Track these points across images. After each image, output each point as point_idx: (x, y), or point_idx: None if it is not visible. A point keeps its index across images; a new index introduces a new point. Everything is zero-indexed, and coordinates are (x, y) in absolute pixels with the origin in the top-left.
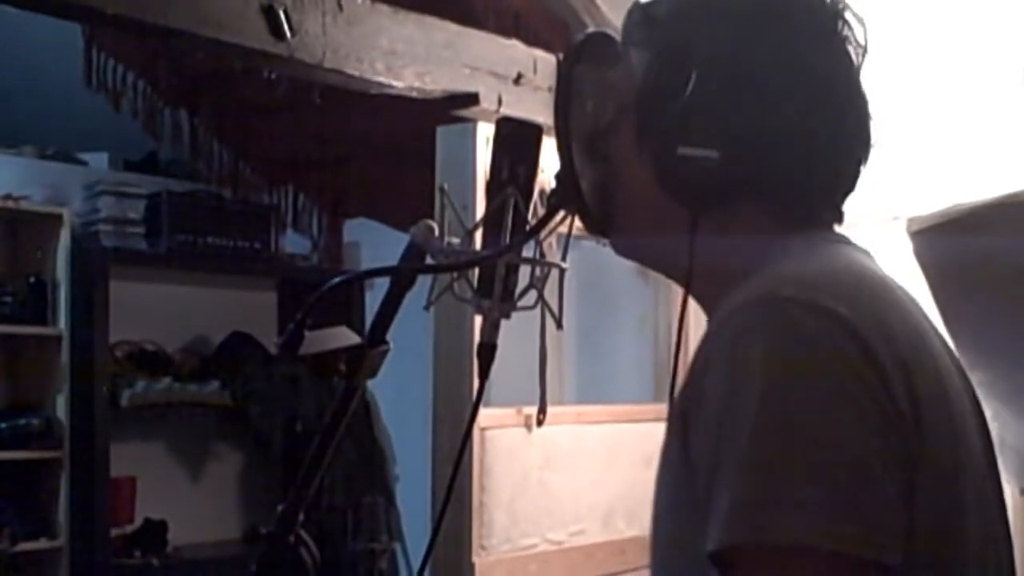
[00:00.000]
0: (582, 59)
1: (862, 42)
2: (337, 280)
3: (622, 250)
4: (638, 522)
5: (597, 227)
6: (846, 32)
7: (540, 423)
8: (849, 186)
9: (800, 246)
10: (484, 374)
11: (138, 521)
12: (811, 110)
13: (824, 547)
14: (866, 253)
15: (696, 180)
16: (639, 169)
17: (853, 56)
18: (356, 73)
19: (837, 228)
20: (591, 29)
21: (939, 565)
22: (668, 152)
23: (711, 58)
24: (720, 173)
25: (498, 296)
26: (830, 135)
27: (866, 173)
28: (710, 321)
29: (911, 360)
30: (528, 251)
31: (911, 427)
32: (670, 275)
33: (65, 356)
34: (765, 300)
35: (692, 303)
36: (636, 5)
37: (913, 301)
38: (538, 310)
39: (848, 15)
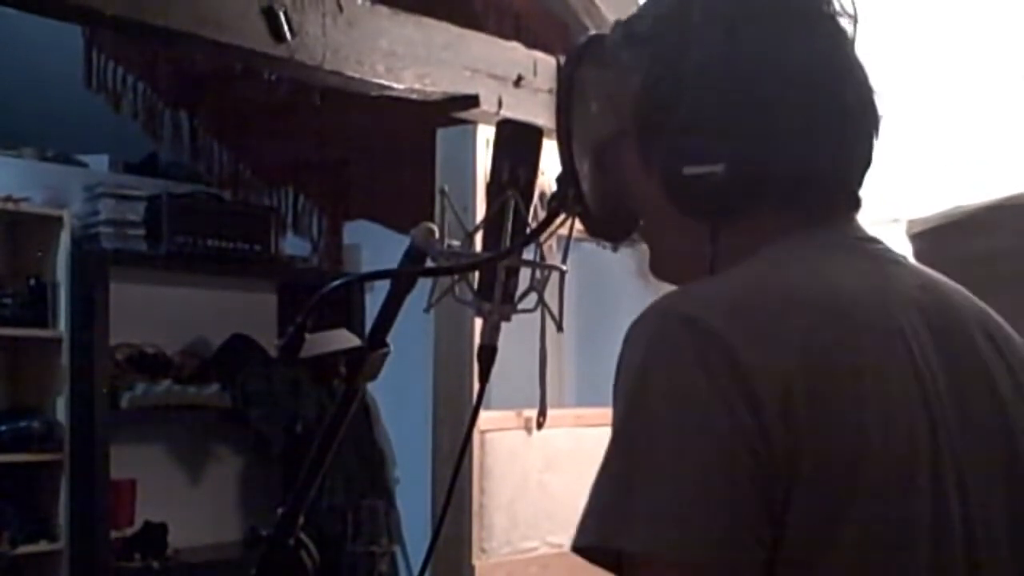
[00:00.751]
0: (583, 61)
1: (852, 12)
2: (337, 282)
3: (659, 275)
4: None
5: (598, 230)
6: (831, 8)
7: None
8: (864, 164)
9: (768, 253)
10: (484, 376)
11: (138, 524)
12: (808, 102)
13: (663, 556)
14: (870, 254)
15: (706, 195)
16: (648, 185)
17: (847, 28)
18: (356, 75)
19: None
20: (592, 31)
21: None
22: (674, 172)
23: (699, 71)
24: (728, 185)
25: (498, 299)
26: (833, 121)
27: (867, 175)
28: None
29: (805, 379)
30: (528, 254)
31: (780, 445)
32: None
33: (65, 358)
34: (653, 312)
35: None
36: (617, 24)
37: (879, 318)
38: (538, 313)
39: None
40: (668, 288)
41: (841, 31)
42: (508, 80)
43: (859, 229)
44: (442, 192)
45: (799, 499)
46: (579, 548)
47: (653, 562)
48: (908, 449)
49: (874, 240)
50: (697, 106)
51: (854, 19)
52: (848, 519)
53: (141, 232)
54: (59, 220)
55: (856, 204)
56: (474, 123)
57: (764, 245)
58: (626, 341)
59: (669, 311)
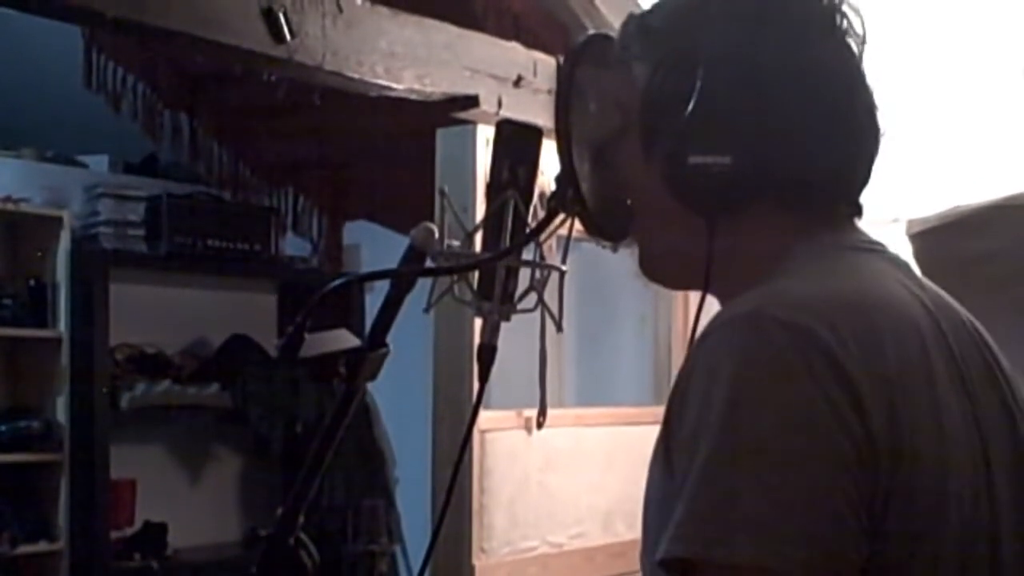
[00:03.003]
0: (582, 61)
1: (861, 33)
2: (337, 282)
3: (651, 275)
4: (638, 524)
5: (597, 230)
6: (845, 25)
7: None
8: (864, 177)
9: (808, 254)
10: (484, 376)
11: (138, 524)
12: (819, 106)
13: (770, 568)
14: (882, 257)
15: (709, 187)
16: (648, 179)
17: (854, 48)
18: (356, 75)
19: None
20: (591, 31)
21: None
22: (679, 161)
23: (714, 63)
24: (733, 178)
25: (498, 298)
26: (840, 130)
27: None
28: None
29: (899, 386)
30: (528, 253)
31: (886, 452)
32: (689, 285)
33: (65, 359)
34: (745, 317)
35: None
36: (631, 16)
37: (916, 320)
38: (538, 312)
39: (845, 7)
40: (661, 289)
41: (850, 47)
42: (508, 80)
43: (864, 234)
44: (442, 192)
45: (896, 508)
46: (675, 559)
47: (757, 574)
48: (971, 453)
49: (880, 244)
50: (707, 97)
51: (862, 39)
52: (940, 526)
53: (141, 232)
54: (59, 220)
55: (858, 211)
56: (474, 123)
57: (763, 244)
58: (709, 347)
59: (762, 314)
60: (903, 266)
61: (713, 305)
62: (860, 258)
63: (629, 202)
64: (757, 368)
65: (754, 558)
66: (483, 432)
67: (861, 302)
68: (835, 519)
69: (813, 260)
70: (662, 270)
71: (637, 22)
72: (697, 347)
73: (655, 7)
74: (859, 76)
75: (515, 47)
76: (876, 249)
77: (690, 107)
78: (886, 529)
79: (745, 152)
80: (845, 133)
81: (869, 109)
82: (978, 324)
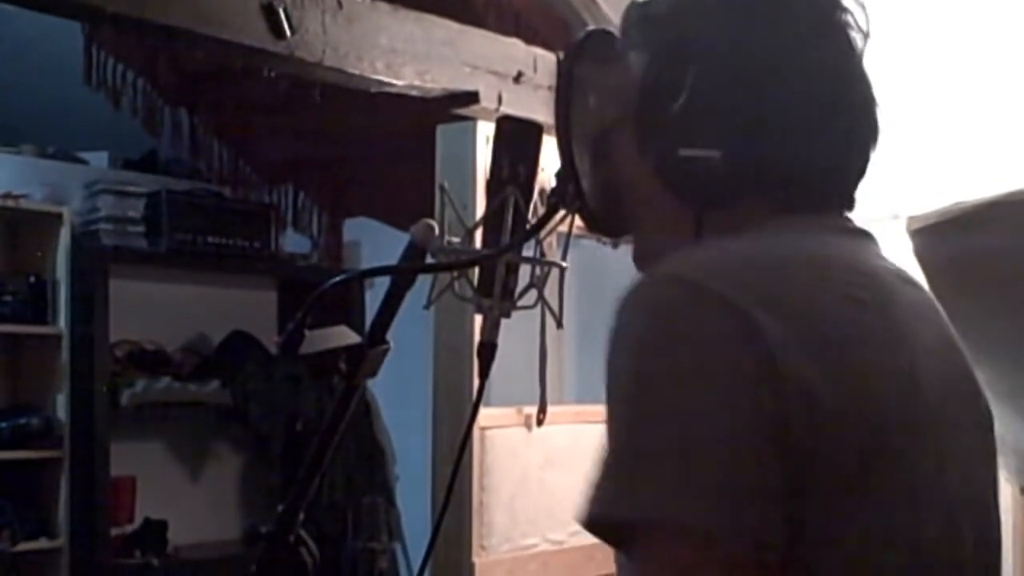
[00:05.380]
0: (583, 57)
1: (863, 27)
2: (337, 279)
3: (643, 265)
4: None
5: (598, 226)
6: (845, 18)
7: (540, 422)
8: (859, 172)
9: (757, 232)
10: (484, 373)
11: (138, 521)
12: (813, 101)
13: (681, 522)
14: (847, 234)
15: (700, 179)
16: (641, 171)
17: (854, 41)
18: (356, 71)
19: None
20: (591, 27)
21: (840, 558)
22: (670, 153)
23: (709, 54)
24: (723, 171)
25: (498, 295)
26: (833, 124)
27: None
28: None
29: (812, 349)
30: (528, 250)
31: (799, 411)
32: None
33: (65, 355)
34: (649, 279)
35: None
36: (633, 5)
37: (866, 292)
38: (538, 309)
39: (846, 1)
40: None
41: (851, 42)
42: (508, 76)
43: (850, 221)
44: (442, 188)
45: (819, 466)
46: (591, 522)
47: (666, 529)
48: (914, 423)
49: (864, 231)
50: (701, 90)
51: (865, 34)
52: (870, 487)
53: (141, 229)
54: (59, 217)
55: (850, 204)
56: (474, 119)
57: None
58: (621, 311)
59: (669, 277)
60: (873, 241)
61: None
62: (818, 232)
63: (624, 194)
64: (657, 330)
65: (664, 513)
66: (483, 429)
67: (788, 267)
68: (744, 472)
69: (763, 231)
70: (653, 261)
71: (638, 11)
72: (615, 311)
73: None
74: (856, 71)
75: (515, 43)
76: (856, 230)
77: (682, 99)
78: (810, 485)
79: (736, 146)
80: (838, 128)
81: (865, 104)
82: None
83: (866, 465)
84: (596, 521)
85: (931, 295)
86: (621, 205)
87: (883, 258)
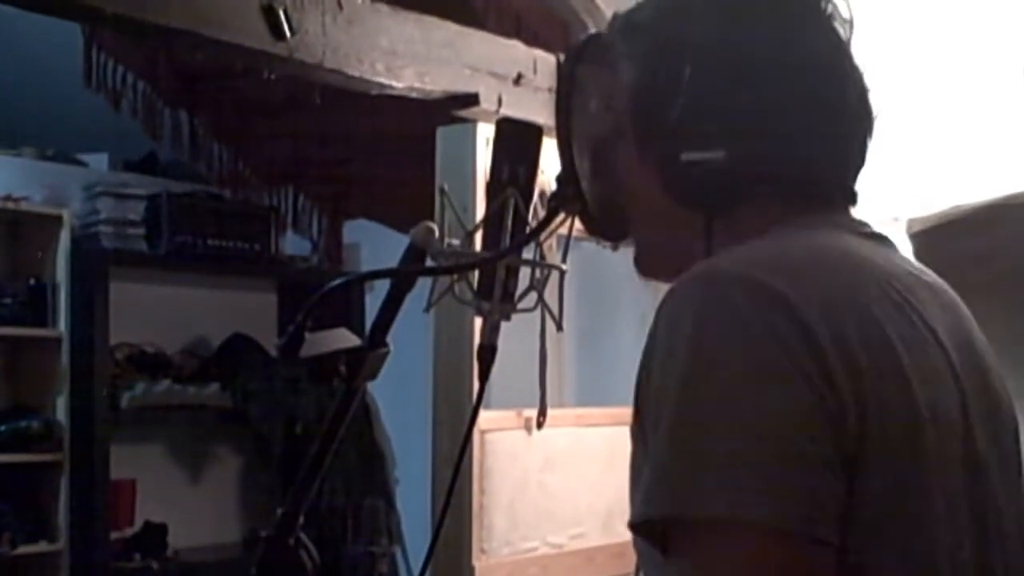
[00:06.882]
0: (583, 60)
1: (847, 17)
2: (337, 282)
3: (645, 270)
4: None
5: (598, 229)
6: (831, 9)
7: (540, 425)
8: (859, 163)
9: (783, 231)
10: (484, 376)
11: (138, 524)
12: (810, 95)
13: (745, 520)
14: (868, 238)
15: (705, 183)
16: (643, 178)
17: (841, 32)
18: (356, 73)
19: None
20: (592, 30)
21: (892, 553)
22: (672, 159)
23: (702, 55)
24: (727, 172)
25: (498, 298)
26: (832, 117)
27: (866, 174)
28: None
29: (860, 345)
30: (528, 253)
31: (851, 408)
32: None
33: (65, 358)
34: (701, 275)
35: None
36: (616, 15)
37: (898, 294)
38: (538, 312)
39: None
40: (661, 288)
41: (838, 32)
42: (508, 78)
43: (858, 220)
44: (442, 191)
45: (870, 464)
46: (646, 520)
47: (731, 527)
48: (948, 419)
49: (883, 236)
50: (697, 91)
51: (849, 23)
52: (912, 486)
53: (141, 231)
54: (59, 219)
55: (852, 198)
56: (474, 121)
57: (769, 227)
58: (667, 309)
59: (719, 273)
60: (892, 246)
61: None
62: (843, 234)
63: (626, 201)
64: (715, 327)
65: (728, 511)
66: (483, 432)
67: (821, 265)
68: (808, 471)
69: (789, 230)
70: (660, 267)
71: (623, 20)
72: (658, 311)
73: (640, 4)
74: (848, 60)
75: (515, 45)
76: (869, 233)
77: (679, 103)
78: (861, 483)
79: (737, 147)
80: (838, 120)
81: (860, 93)
82: (963, 307)
83: (907, 463)
84: (656, 520)
85: (958, 298)
86: (622, 209)
87: (908, 262)
